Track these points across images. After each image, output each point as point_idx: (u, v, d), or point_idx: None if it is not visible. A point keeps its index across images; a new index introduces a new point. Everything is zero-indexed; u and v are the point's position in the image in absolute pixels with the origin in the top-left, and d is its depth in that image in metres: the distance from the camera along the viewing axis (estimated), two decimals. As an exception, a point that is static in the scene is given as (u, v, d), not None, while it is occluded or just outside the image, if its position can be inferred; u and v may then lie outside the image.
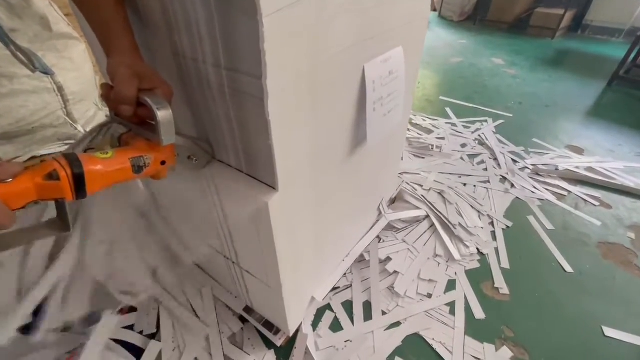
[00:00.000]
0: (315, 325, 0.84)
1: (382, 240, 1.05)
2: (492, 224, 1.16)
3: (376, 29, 0.55)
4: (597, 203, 1.26)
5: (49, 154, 1.16)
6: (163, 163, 0.44)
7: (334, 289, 0.92)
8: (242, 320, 0.82)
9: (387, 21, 0.57)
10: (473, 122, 1.79)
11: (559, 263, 1.03)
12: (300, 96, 0.44)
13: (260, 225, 0.52)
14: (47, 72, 1.01)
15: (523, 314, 0.89)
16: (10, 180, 0.30)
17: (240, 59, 0.37)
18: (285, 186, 0.49)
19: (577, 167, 1.44)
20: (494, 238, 1.11)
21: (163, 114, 0.38)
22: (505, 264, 1.02)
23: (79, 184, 0.34)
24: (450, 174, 1.38)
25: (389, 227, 1.09)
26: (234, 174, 0.53)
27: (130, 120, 0.43)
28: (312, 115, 0.48)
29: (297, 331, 0.80)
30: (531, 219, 1.18)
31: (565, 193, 1.31)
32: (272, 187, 0.49)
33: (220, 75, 0.40)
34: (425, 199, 1.19)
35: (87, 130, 1.28)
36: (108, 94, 0.41)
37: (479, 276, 0.98)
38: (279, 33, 0.34)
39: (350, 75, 0.54)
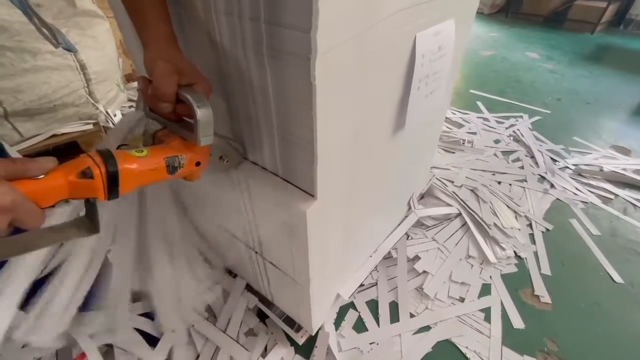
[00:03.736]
0: (337, 324, 0.78)
1: (410, 238, 0.98)
2: (530, 225, 1.07)
3: (431, -7, 0.48)
4: (648, 209, 1.15)
5: (69, 132, 1.15)
6: (197, 164, 0.41)
7: (359, 286, 0.86)
8: (259, 315, 0.77)
9: (442, -15, 0.50)
10: (507, 118, 1.67)
11: (607, 272, 0.93)
12: (349, 61, 0.37)
13: (294, 231, 0.48)
14: (70, 49, 0.98)
15: (568, 326, 0.80)
16: (43, 176, 0.28)
17: (284, 9, 0.31)
18: (323, 187, 0.45)
19: (624, 169, 1.31)
20: (533, 241, 1.02)
21: (203, 113, 0.36)
22: (546, 269, 0.93)
23: (113, 183, 0.32)
24: (483, 170, 1.29)
25: (418, 224, 1.02)
26: (269, 179, 0.50)
27: (166, 117, 0.40)
28: (358, 87, 0.42)
29: (317, 329, 0.75)
30: (574, 222, 1.08)
31: (611, 196, 1.20)
32: (310, 193, 0.46)
33: (259, 30, 0.34)
34: (457, 196, 1.11)
35: (108, 110, 1.26)
36: (146, 89, 0.38)
37: (517, 282, 0.90)
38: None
39: (401, 45, 0.47)
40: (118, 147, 0.40)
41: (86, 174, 0.30)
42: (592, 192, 1.21)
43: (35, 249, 0.32)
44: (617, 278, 0.91)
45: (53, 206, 0.30)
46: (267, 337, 0.73)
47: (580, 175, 1.30)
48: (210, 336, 0.72)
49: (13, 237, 0.30)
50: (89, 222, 0.35)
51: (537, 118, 1.68)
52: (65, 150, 1.13)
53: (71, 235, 0.34)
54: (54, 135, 1.11)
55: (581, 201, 1.17)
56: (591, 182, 1.26)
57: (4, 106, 1.01)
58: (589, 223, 1.08)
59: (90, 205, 0.34)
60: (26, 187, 0.27)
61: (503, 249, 0.97)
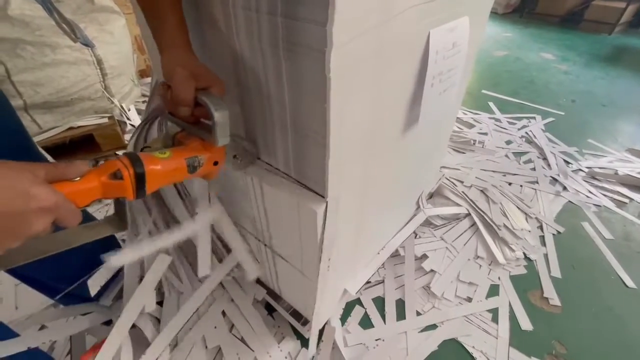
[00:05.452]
0: (343, 319, 0.79)
1: (418, 236, 0.98)
2: (540, 227, 1.06)
3: (446, -11, 0.48)
4: (664, 214, 1.12)
5: (85, 125, 1.18)
6: (215, 163, 0.44)
7: (365, 283, 0.86)
8: (267, 308, 0.79)
9: (457, -18, 0.50)
10: (519, 119, 1.65)
11: (619, 276, 0.92)
12: (363, 56, 0.38)
13: (305, 229, 0.49)
14: (88, 44, 1.00)
15: (577, 330, 0.79)
16: (78, 178, 0.31)
17: (301, 3, 0.31)
18: (335, 184, 0.46)
19: (639, 173, 1.29)
20: (543, 243, 1.00)
21: (220, 115, 0.38)
22: (556, 272, 0.92)
23: (140, 183, 0.35)
24: (493, 171, 1.27)
25: (426, 223, 1.02)
26: (281, 179, 0.51)
27: (185, 120, 0.42)
28: (372, 82, 0.42)
29: (324, 324, 0.76)
30: (586, 225, 1.07)
31: (626, 200, 1.17)
32: (321, 194, 0.47)
33: (276, 24, 0.34)
34: (466, 196, 1.10)
35: (123, 105, 1.29)
36: (166, 94, 0.41)
37: (526, 283, 0.89)
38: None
39: (415, 40, 0.48)
40: (142, 150, 0.43)
41: (117, 176, 0.33)
42: (605, 196, 1.19)
43: (73, 245, 0.35)
44: (630, 283, 0.90)
45: (88, 205, 0.32)
46: (278, 329, 0.75)
47: (593, 178, 1.27)
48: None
49: (54, 235, 0.33)
50: (119, 220, 0.38)
51: (550, 119, 1.65)
52: (81, 143, 1.16)
53: (103, 232, 0.38)
54: (70, 128, 1.14)
55: (594, 204, 1.15)
56: (605, 185, 1.24)
57: (24, 99, 1.04)
58: (602, 227, 1.06)
59: (120, 204, 0.37)
60: (66, 189, 0.30)
61: (512, 250, 0.96)
